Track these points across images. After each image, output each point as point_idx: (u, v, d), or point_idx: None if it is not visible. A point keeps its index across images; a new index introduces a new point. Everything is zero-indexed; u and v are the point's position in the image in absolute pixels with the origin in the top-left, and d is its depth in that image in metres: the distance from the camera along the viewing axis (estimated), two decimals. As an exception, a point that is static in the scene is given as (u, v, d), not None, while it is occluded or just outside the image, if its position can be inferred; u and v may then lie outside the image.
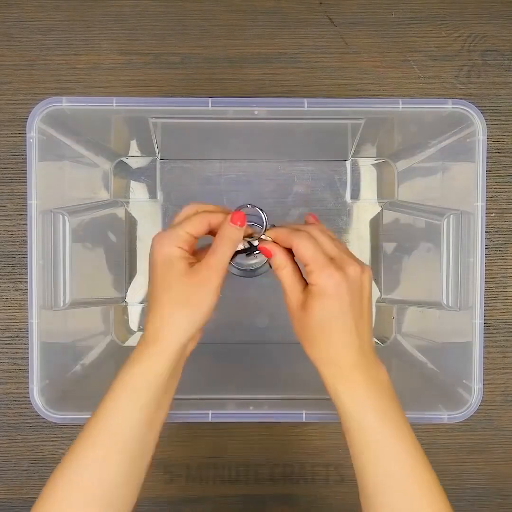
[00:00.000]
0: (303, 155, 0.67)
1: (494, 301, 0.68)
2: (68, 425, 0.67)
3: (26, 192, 0.47)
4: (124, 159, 0.67)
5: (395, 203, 0.66)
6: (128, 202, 0.67)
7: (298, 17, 0.67)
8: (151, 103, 0.49)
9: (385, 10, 0.67)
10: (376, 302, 0.68)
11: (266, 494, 0.69)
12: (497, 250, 0.68)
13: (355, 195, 0.68)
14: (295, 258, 0.46)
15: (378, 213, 0.68)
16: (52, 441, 0.68)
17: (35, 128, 0.47)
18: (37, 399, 0.49)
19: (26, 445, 0.68)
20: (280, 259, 0.45)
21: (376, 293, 0.68)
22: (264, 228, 0.47)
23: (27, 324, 0.48)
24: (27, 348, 0.48)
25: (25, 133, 0.47)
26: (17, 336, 0.67)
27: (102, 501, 0.41)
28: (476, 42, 0.67)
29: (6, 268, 0.67)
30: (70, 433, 0.68)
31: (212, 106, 0.47)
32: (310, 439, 0.69)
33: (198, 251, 0.47)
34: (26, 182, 0.47)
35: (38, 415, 0.49)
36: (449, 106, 0.48)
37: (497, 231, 0.68)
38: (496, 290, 0.68)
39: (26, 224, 0.47)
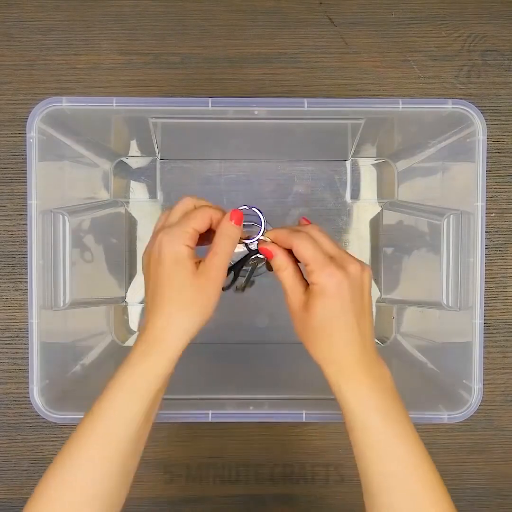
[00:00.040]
0: (303, 155, 0.67)
1: (494, 301, 0.68)
2: (68, 425, 0.66)
3: (26, 192, 0.47)
4: (124, 159, 0.67)
5: (395, 203, 0.66)
6: (128, 202, 0.67)
7: (298, 17, 0.67)
8: (151, 103, 0.49)
9: (385, 10, 0.67)
10: (376, 302, 0.68)
11: (266, 494, 0.69)
12: (497, 250, 0.68)
13: (355, 195, 0.68)
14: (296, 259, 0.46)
15: (378, 213, 0.68)
16: (52, 441, 0.68)
17: (35, 128, 0.47)
18: (37, 399, 0.49)
19: (26, 445, 0.68)
20: (281, 260, 0.45)
21: (376, 293, 0.68)
22: (262, 228, 0.47)
23: (27, 324, 0.48)
24: (27, 348, 0.48)
25: (25, 133, 0.47)
26: (17, 336, 0.67)
27: (95, 501, 0.41)
28: (476, 42, 0.67)
29: (6, 268, 0.67)
30: (70, 433, 0.67)
31: (212, 106, 0.47)
32: (310, 439, 0.69)
33: None
34: (26, 182, 0.47)
35: (38, 415, 0.49)
36: (449, 106, 0.48)
37: (497, 231, 0.68)
38: (496, 290, 0.68)
39: (26, 224, 0.47)
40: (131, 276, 0.67)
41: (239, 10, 0.67)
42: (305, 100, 0.47)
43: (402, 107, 0.48)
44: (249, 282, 0.52)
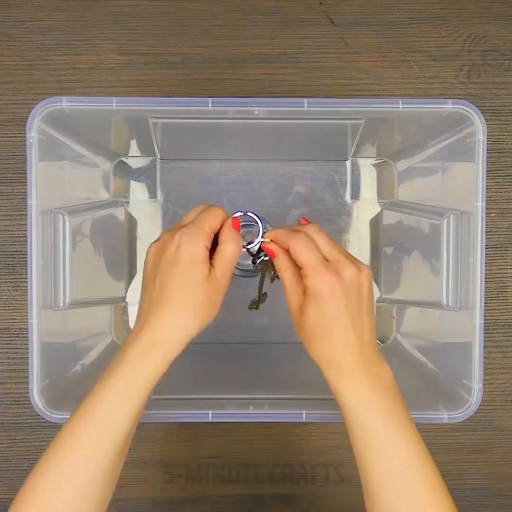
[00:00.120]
0: (303, 155, 0.67)
1: (494, 301, 0.68)
2: (68, 425, 0.67)
3: (26, 192, 0.47)
4: (124, 159, 0.67)
5: (395, 203, 0.66)
6: (128, 202, 0.67)
7: (298, 17, 0.67)
8: (151, 103, 0.49)
9: (385, 10, 0.67)
10: (376, 302, 0.68)
11: (266, 494, 0.69)
12: (497, 250, 0.68)
13: (355, 195, 0.68)
14: None
15: (378, 213, 0.68)
16: (52, 441, 0.68)
17: (35, 128, 0.47)
18: (37, 399, 0.49)
19: (26, 445, 0.68)
20: (281, 260, 0.45)
21: (376, 293, 0.68)
22: (260, 231, 0.47)
23: (27, 324, 0.48)
24: (27, 348, 0.48)
25: (25, 133, 0.47)
26: (17, 336, 0.67)
27: (86, 501, 0.41)
28: (476, 42, 0.67)
29: (6, 268, 0.67)
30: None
31: (212, 106, 0.47)
32: (310, 439, 0.69)
33: None
34: (26, 182, 0.47)
35: (38, 415, 0.49)
36: (449, 106, 0.48)
37: (497, 231, 0.68)
38: (496, 290, 0.68)
39: (26, 224, 0.47)
40: (131, 276, 0.67)
41: (239, 10, 0.67)
42: (305, 100, 0.47)
43: (402, 107, 0.48)
44: (262, 297, 0.53)
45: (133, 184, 0.67)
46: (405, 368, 0.63)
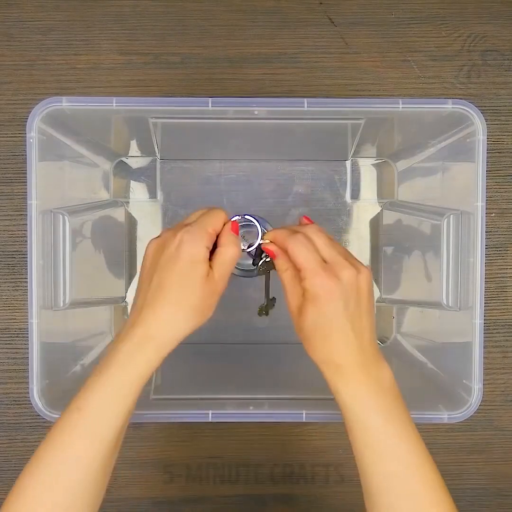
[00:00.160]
0: (303, 155, 0.67)
1: (494, 301, 0.68)
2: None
3: (26, 192, 0.47)
4: (124, 159, 0.67)
5: (395, 203, 0.66)
6: (128, 202, 0.67)
7: (298, 17, 0.67)
8: (151, 103, 0.49)
9: (385, 10, 0.67)
10: (376, 302, 0.68)
11: (266, 494, 0.69)
12: (497, 250, 0.68)
13: (355, 195, 0.68)
14: None
15: (378, 213, 0.68)
16: (52, 441, 0.68)
17: (35, 128, 0.47)
18: (37, 399, 0.49)
19: (26, 445, 0.68)
20: (281, 261, 0.45)
21: (376, 293, 0.68)
22: (259, 234, 0.47)
23: (27, 324, 0.48)
24: (27, 348, 0.48)
25: (25, 133, 0.47)
26: (17, 336, 0.67)
27: (78, 501, 0.41)
28: (476, 42, 0.67)
29: (6, 268, 0.67)
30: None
31: (212, 106, 0.47)
32: (310, 439, 0.69)
33: None
34: (26, 182, 0.47)
35: (38, 415, 0.48)
36: (449, 106, 0.48)
37: (497, 231, 0.68)
38: (496, 290, 0.68)
39: (26, 224, 0.47)
40: (131, 276, 0.67)
41: (239, 10, 0.67)
42: (305, 100, 0.47)
43: (402, 107, 0.48)
44: (270, 303, 0.53)
45: (133, 184, 0.67)
46: (405, 368, 0.63)
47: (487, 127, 0.48)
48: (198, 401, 0.52)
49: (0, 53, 0.66)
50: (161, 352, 0.42)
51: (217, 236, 0.44)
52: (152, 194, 0.67)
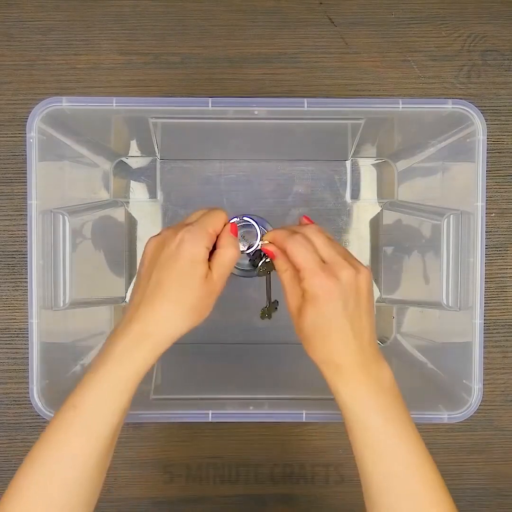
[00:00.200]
0: (303, 155, 0.67)
1: (494, 301, 0.68)
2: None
3: (26, 192, 0.47)
4: (124, 159, 0.67)
5: (395, 203, 0.66)
6: (128, 202, 0.67)
7: (298, 17, 0.67)
8: (151, 103, 0.49)
9: (385, 10, 0.67)
10: (376, 302, 0.68)
11: (266, 494, 0.69)
12: (497, 250, 0.68)
13: (355, 195, 0.68)
14: None
15: (378, 213, 0.68)
16: (52, 441, 0.68)
17: (35, 128, 0.47)
18: (37, 399, 0.49)
19: (26, 445, 0.67)
20: (281, 261, 0.45)
21: (376, 293, 0.68)
22: (258, 236, 0.47)
23: (27, 324, 0.48)
24: (27, 348, 0.48)
25: (25, 133, 0.47)
26: (17, 336, 0.67)
27: (73, 501, 0.41)
28: (476, 42, 0.67)
29: (6, 268, 0.67)
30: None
31: (212, 106, 0.47)
32: (310, 439, 0.69)
33: None
34: (26, 182, 0.47)
35: (38, 415, 0.48)
36: (449, 106, 0.48)
37: (497, 231, 0.68)
38: (496, 290, 0.68)
39: (26, 224, 0.47)
40: (131, 276, 0.67)
41: (239, 10, 0.67)
42: (305, 100, 0.47)
43: (402, 107, 0.48)
44: (272, 305, 0.53)
45: (133, 184, 0.67)
46: (405, 368, 0.63)
47: (487, 127, 0.48)
48: (198, 401, 0.52)
49: (0, 53, 0.66)
50: (157, 349, 0.42)
51: (217, 237, 0.45)
52: (152, 194, 0.67)
